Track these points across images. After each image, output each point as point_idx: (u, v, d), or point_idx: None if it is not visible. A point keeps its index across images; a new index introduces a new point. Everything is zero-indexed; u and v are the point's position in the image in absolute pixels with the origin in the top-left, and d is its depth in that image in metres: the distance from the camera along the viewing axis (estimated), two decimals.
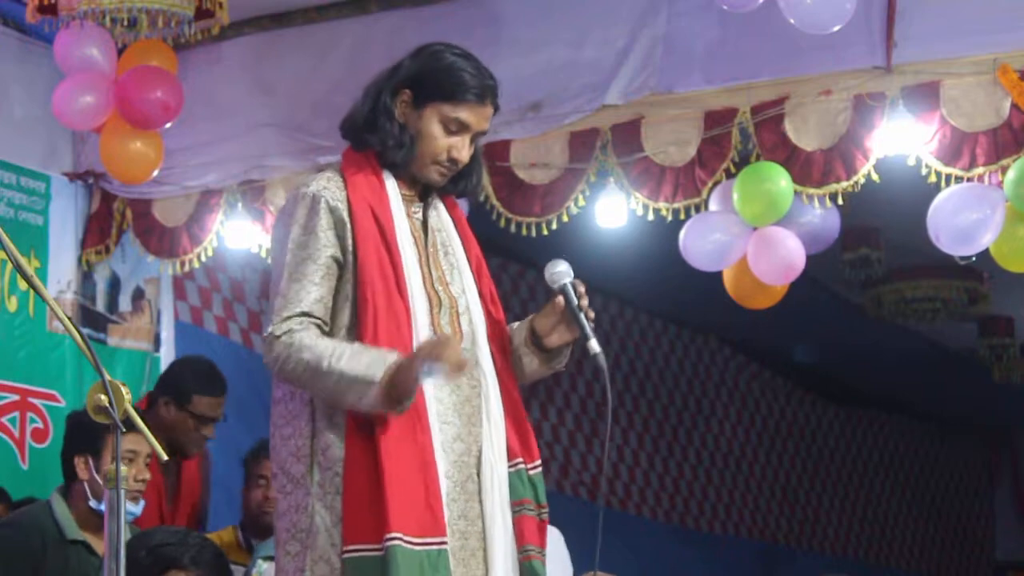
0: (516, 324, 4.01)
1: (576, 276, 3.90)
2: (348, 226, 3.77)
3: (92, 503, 4.97)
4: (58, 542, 4.94)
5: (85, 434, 5.00)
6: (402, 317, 3.76)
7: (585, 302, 3.88)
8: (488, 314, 3.94)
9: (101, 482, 4.94)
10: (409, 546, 3.61)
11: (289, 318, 3.69)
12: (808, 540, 11.97)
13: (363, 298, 3.72)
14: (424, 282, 3.83)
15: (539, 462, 3.91)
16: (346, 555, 3.65)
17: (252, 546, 5.72)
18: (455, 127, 3.89)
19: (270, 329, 3.69)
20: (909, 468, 13.36)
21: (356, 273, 3.74)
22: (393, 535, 3.60)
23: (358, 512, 3.67)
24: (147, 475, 5.01)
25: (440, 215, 3.96)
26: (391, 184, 3.88)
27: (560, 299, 3.88)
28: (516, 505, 3.85)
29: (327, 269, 3.74)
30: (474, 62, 3.90)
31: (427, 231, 3.92)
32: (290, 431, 3.77)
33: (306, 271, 3.72)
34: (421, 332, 3.76)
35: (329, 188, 3.81)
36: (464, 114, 3.87)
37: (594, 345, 3.93)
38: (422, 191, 3.95)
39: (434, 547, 3.65)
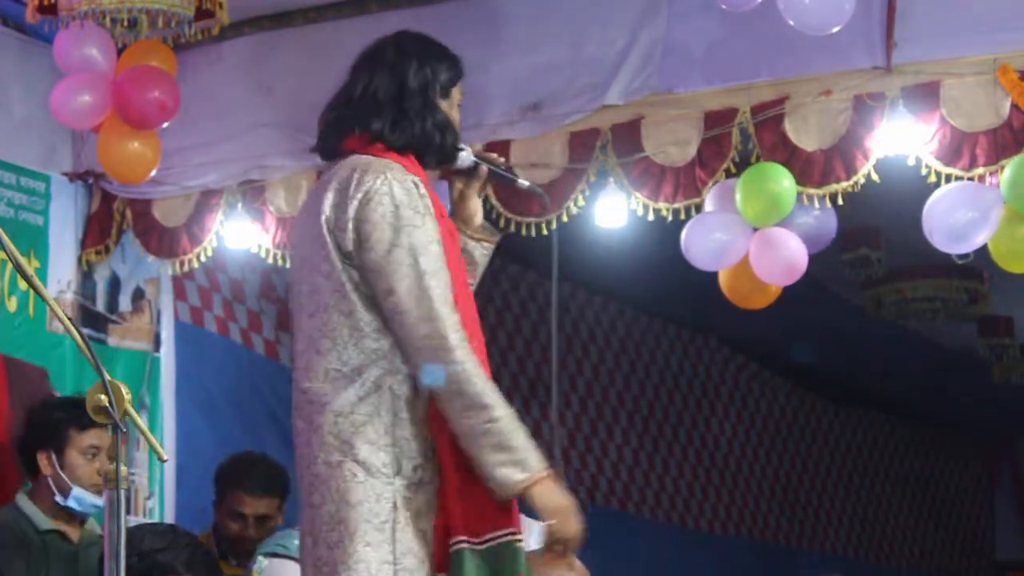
0: None
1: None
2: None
3: (58, 498, 5.00)
4: (33, 534, 4.97)
5: (46, 429, 5.03)
6: (475, 315, 3.88)
7: (493, 155, 4.12)
8: None
9: (65, 477, 4.97)
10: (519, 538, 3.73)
11: (463, 335, 3.72)
12: (808, 540, 11.96)
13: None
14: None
15: None
16: (486, 545, 3.70)
17: (226, 555, 5.70)
18: (459, 105, 3.97)
19: (453, 338, 3.68)
20: (909, 468, 13.35)
21: None
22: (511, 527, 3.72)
23: (477, 503, 3.71)
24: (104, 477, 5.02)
25: None
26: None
27: (483, 168, 4.05)
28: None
29: None
30: None
31: None
32: (363, 419, 3.74)
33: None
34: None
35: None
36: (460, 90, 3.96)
37: (523, 182, 4.23)
38: None
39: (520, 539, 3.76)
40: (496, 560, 3.71)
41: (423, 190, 3.86)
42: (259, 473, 5.72)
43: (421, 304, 3.72)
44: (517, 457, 3.66)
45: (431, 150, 3.98)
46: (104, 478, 3.36)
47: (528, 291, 9.01)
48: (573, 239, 6.06)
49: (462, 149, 4.07)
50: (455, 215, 4.15)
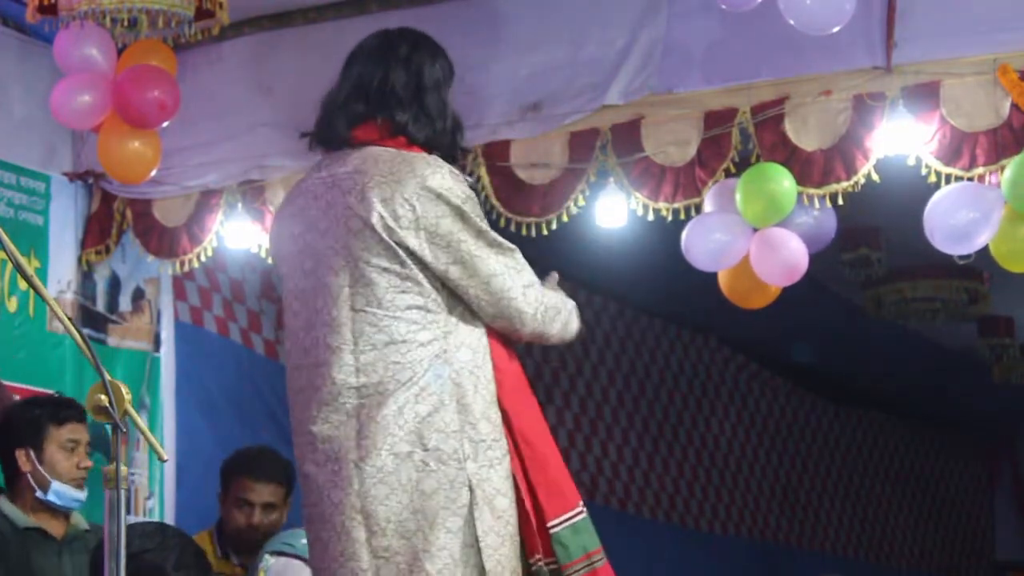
0: None
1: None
2: None
3: (39, 494, 5.01)
4: (12, 533, 4.97)
5: (24, 427, 5.04)
6: None
7: None
8: None
9: (44, 473, 4.98)
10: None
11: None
12: (808, 540, 11.96)
13: None
14: None
15: None
16: (572, 523, 3.88)
17: (228, 554, 5.70)
18: None
19: (543, 308, 3.98)
20: (909, 468, 13.35)
21: None
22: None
23: (554, 484, 3.89)
24: (89, 463, 5.04)
25: None
26: None
27: None
28: None
29: None
30: None
31: None
32: (429, 409, 3.79)
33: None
34: None
35: None
36: None
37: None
38: None
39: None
40: (577, 534, 3.89)
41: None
42: (265, 461, 5.76)
43: (523, 275, 3.96)
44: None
45: (446, 147, 4.04)
46: (104, 478, 3.36)
47: None
48: (573, 239, 6.06)
49: (469, 150, 4.20)
50: None
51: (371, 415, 3.80)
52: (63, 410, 5.08)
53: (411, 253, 3.84)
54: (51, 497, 5.00)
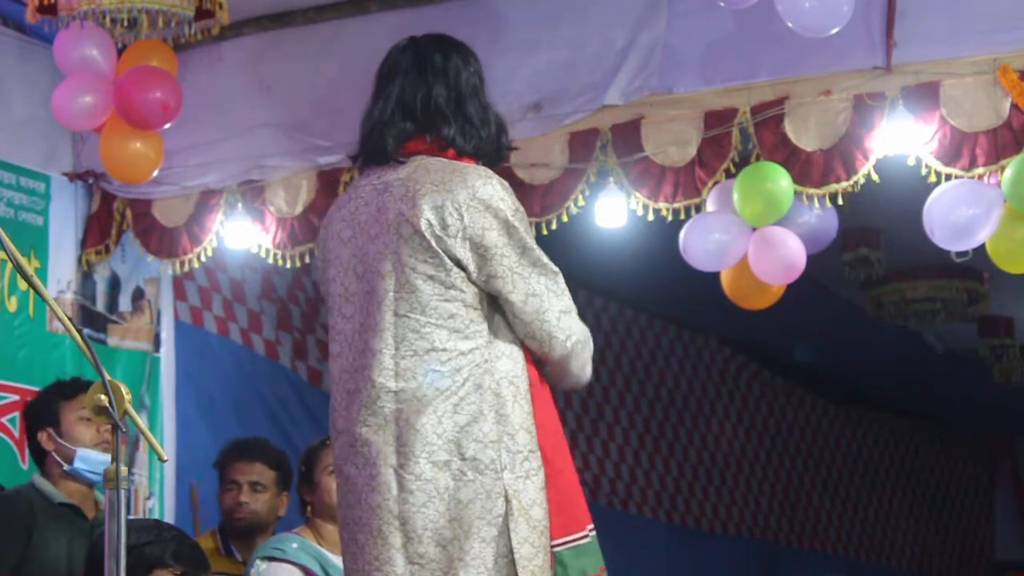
0: None
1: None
2: None
3: (66, 467, 5.09)
4: (47, 507, 5.06)
5: (41, 410, 5.18)
6: None
7: None
8: None
9: (68, 445, 5.09)
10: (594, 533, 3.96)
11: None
12: (808, 540, 11.97)
13: None
14: None
15: None
16: (579, 543, 3.89)
17: (232, 551, 5.71)
18: None
19: (574, 339, 3.96)
20: (909, 468, 13.36)
21: None
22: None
23: (566, 503, 3.89)
24: (108, 434, 5.07)
25: None
26: None
27: None
28: None
29: None
30: None
31: None
32: (468, 419, 3.81)
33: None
34: None
35: None
36: None
37: None
38: None
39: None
40: (579, 557, 3.89)
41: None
42: (252, 444, 5.84)
43: (561, 300, 3.94)
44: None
45: (493, 152, 4.08)
46: (104, 478, 3.37)
47: None
48: (573, 239, 6.06)
49: (515, 148, 4.29)
50: None
51: (410, 422, 3.83)
52: (69, 387, 5.18)
53: (457, 262, 3.86)
54: (78, 465, 5.07)
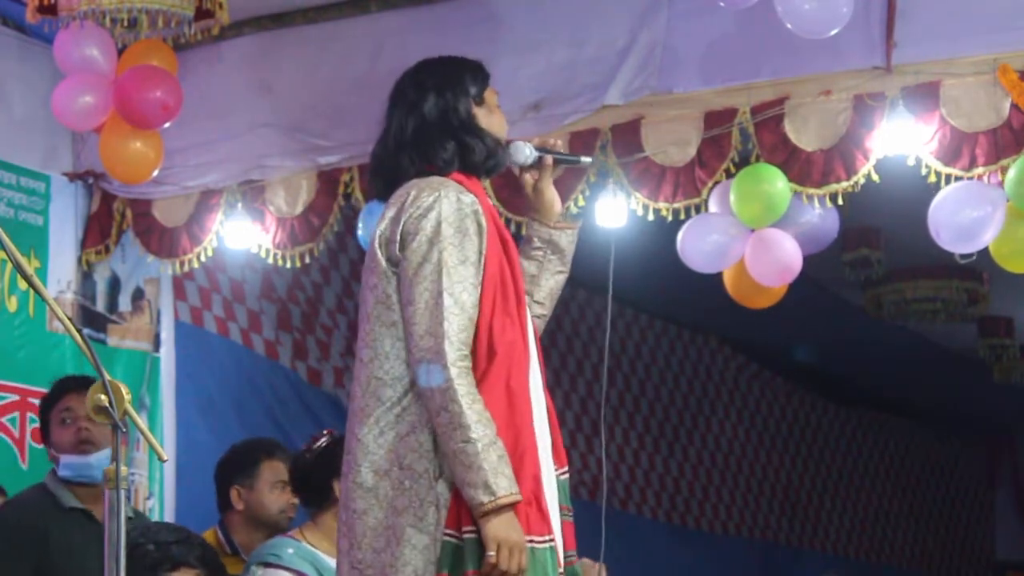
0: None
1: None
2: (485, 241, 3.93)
3: (58, 472, 5.10)
4: (58, 513, 5.04)
5: (41, 419, 5.19)
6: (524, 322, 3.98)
7: (551, 141, 4.39)
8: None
9: (53, 451, 5.10)
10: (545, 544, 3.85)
11: (463, 354, 3.81)
12: (808, 540, 11.96)
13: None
14: None
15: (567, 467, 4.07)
16: (462, 539, 3.80)
17: (236, 547, 5.70)
18: (498, 104, 4.13)
19: (451, 356, 3.77)
20: (909, 468, 13.35)
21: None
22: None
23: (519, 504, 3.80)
24: (86, 431, 5.07)
25: None
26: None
27: (548, 158, 4.25)
28: (563, 511, 4.00)
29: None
30: None
31: None
32: (407, 429, 3.83)
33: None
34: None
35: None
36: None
37: (586, 159, 4.72)
38: None
39: (548, 544, 3.85)
40: (457, 554, 3.82)
41: (479, 208, 3.94)
42: (276, 443, 5.76)
43: (432, 318, 3.80)
44: (484, 479, 3.72)
45: (490, 167, 4.12)
46: (104, 478, 3.37)
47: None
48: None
49: (525, 146, 4.24)
50: (534, 208, 4.30)
51: (353, 431, 3.90)
52: (55, 389, 5.17)
53: (395, 270, 3.92)
54: (64, 472, 5.06)
